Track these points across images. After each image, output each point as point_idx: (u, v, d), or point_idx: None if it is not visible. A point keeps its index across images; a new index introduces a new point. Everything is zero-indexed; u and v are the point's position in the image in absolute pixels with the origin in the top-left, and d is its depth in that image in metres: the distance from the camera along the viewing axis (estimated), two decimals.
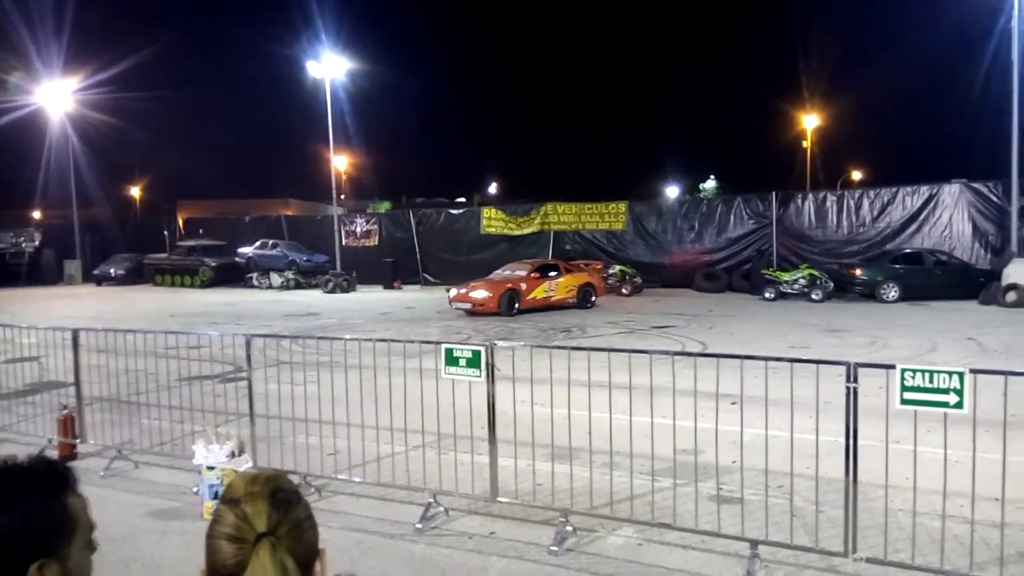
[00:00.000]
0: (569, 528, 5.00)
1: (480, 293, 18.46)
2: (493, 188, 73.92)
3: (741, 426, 4.86)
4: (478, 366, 5.32)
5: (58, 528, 1.20)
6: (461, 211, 32.59)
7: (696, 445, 5.27)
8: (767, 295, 21.19)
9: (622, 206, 27.08)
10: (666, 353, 5.41)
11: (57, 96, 35.02)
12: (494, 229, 29.10)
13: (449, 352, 5.44)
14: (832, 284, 20.98)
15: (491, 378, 5.31)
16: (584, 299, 19.81)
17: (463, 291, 18.83)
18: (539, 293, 19.03)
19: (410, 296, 25.76)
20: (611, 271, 24.25)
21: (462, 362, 5.39)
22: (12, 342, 12.89)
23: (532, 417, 5.52)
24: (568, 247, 26.99)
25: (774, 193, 24.92)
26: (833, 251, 23.53)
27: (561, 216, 27.92)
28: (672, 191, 61.78)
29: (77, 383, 7.36)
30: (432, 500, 5.40)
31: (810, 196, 25.04)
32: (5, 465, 1.22)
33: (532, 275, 19.47)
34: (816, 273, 21.19)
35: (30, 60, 35.33)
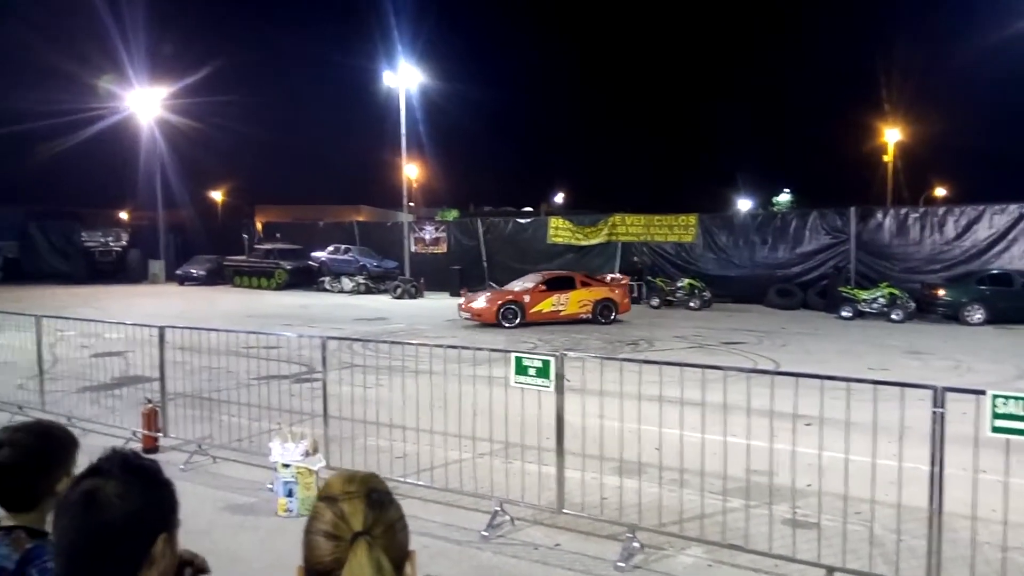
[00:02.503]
0: (636, 544, 4.93)
1: (479, 304, 18.44)
2: (560, 198, 73.86)
3: (820, 449, 4.71)
4: (547, 376, 5.32)
5: (172, 508, 1.41)
6: (528, 220, 32.65)
7: (771, 466, 5.13)
8: (844, 313, 20.50)
9: (692, 218, 26.68)
10: (741, 370, 5.29)
11: (146, 102, 36.82)
12: (561, 239, 29.06)
13: (519, 361, 5.46)
14: (913, 304, 20.13)
15: (560, 388, 5.30)
16: (601, 315, 19.04)
17: (467, 301, 18.88)
18: (545, 306, 18.57)
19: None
20: (679, 284, 23.89)
21: (531, 371, 5.40)
22: (100, 337, 13.60)
23: (600, 430, 5.48)
24: (635, 259, 26.71)
25: (852, 208, 24.10)
26: (915, 270, 22.58)
27: (629, 227, 27.68)
28: (744, 204, 60.42)
29: (162, 379, 7.69)
30: (499, 508, 5.42)
31: (891, 212, 24.10)
32: (138, 455, 1.36)
33: (539, 288, 19.05)
34: (896, 292, 20.38)
35: (121, 67, 37.28)
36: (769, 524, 4.90)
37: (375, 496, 1.27)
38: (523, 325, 18.03)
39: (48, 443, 1.88)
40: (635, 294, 25.20)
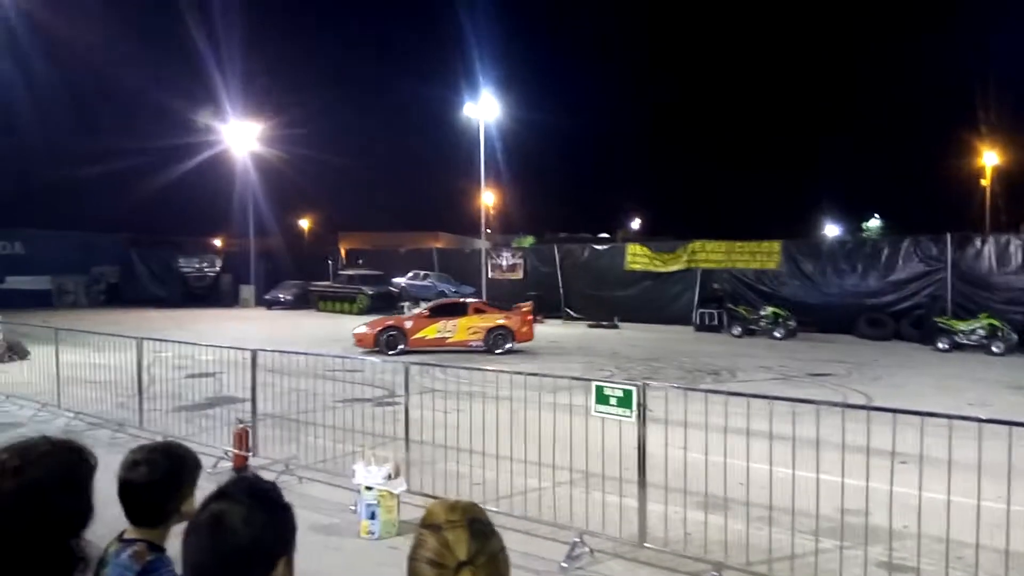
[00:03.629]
0: None
1: (360, 329, 18.28)
2: (636, 224, 73.31)
3: (919, 488, 4.46)
4: (629, 406, 5.26)
5: (292, 532, 1.47)
6: (606, 247, 32.50)
7: (866, 506, 4.89)
8: (940, 345, 19.45)
9: (776, 245, 25.95)
10: (835, 404, 5.09)
11: (239, 136, 38.73)
12: (639, 266, 28.77)
13: (600, 390, 5.42)
14: (1015, 336, 18.92)
15: (642, 419, 5.22)
16: (494, 343, 18.17)
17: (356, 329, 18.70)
18: (430, 333, 18.06)
19: (552, 330, 25.91)
20: (763, 313, 23.22)
21: (612, 401, 5.35)
22: (194, 358, 14.23)
23: (684, 462, 5.36)
24: (716, 286, 26.13)
25: (949, 234, 22.95)
26: (1016, 300, 21.22)
27: (709, 254, 27.16)
28: (831, 230, 58.44)
29: (253, 400, 7.99)
30: (578, 539, 5.35)
31: (991, 239, 22.81)
32: (261, 479, 1.43)
33: (422, 315, 18.83)
34: (997, 323, 19.21)
35: (216, 102, 39.41)
36: (864, 567, 4.67)
37: (477, 526, 1.29)
38: (404, 352, 16.98)
39: (178, 464, 2.01)
40: (716, 322, 24.68)
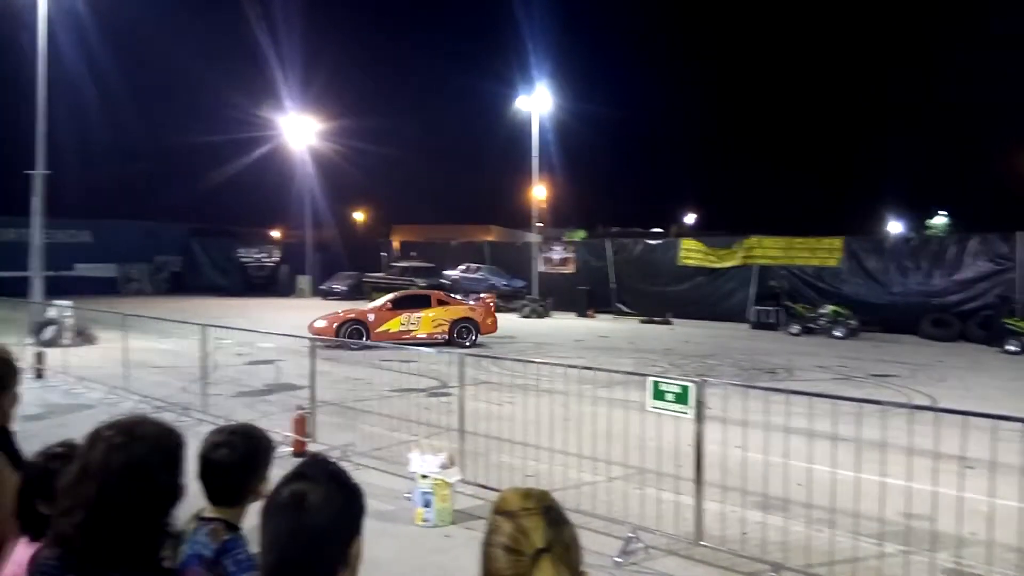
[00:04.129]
0: None
1: (320, 323, 17.04)
2: (690, 218, 72.23)
3: (989, 494, 4.30)
4: (686, 402, 5.19)
5: (363, 512, 1.51)
6: (659, 241, 32.12)
7: (933, 511, 4.73)
8: (1009, 347, 18.66)
9: (837, 241, 25.24)
10: (902, 406, 4.92)
11: (297, 130, 39.50)
12: (692, 261, 28.34)
13: (656, 386, 5.36)
14: None
15: (700, 416, 5.15)
16: (459, 336, 17.61)
17: (312, 320, 17.42)
18: (393, 326, 17.22)
19: (603, 325, 25.78)
20: (822, 311, 22.62)
21: (669, 396, 5.29)
22: (253, 346, 14.59)
23: (743, 461, 5.26)
24: (773, 283, 25.56)
25: (1019, 233, 22.00)
26: None
27: (767, 250, 26.58)
28: (894, 226, 56.59)
29: (312, 387, 8.16)
30: (632, 535, 5.31)
31: None
32: (333, 461, 1.45)
33: (384, 307, 17.85)
34: None
35: (276, 97, 40.24)
36: (930, 573, 4.52)
37: (553, 514, 1.30)
38: (370, 347, 15.22)
39: (257, 445, 2.08)
40: (772, 320, 24.16)
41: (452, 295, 20.63)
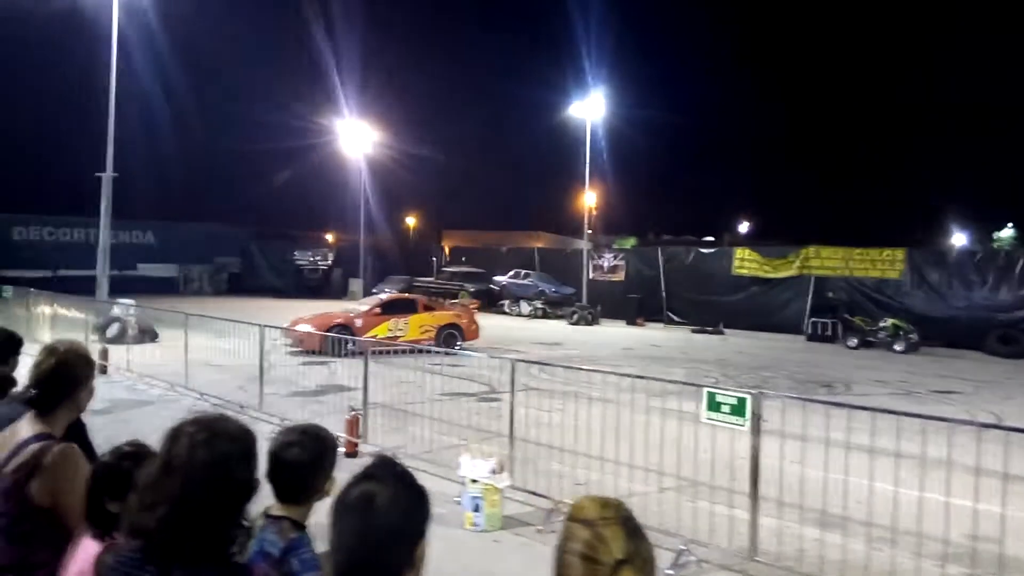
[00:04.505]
0: None
1: (303, 327, 15.86)
2: (744, 227, 71.00)
3: None
4: (743, 415, 5.09)
5: (429, 514, 1.52)
6: (712, 250, 31.67)
7: (1001, 533, 4.53)
8: None
9: (899, 253, 24.48)
10: (970, 424, 4.74)
11: (353, 136, 40.24)
12: (747, 271, 27.84)
13: (712, 397, 5.27)
14: None
15: (756, 429, 5.05)
16: (445, 342, 16.67)
17: (291, 325, 16.19)
18: (381, 332, 16.26)
19: (653, 334, 25.51)
20: (882, 324, 21.95)
21: (725, 408, 5.20)
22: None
23: (800, 476, 5.13)
24: (831, 294, 24.91)
25: None
26: None
27: (824, 261, 25.93)
28: (958, 239, 54.68)
29: (365, 389, 8.27)
30: (684, 548, 5.23)
31: None
32: (398, 462, 1.46)
33: (373, 312, 17.14)
34: None
35: (333, 103, 41.08)
36: None
37: (631, 524, 1.29)
38: (354, 354, 13.17)
39: (325, 445, 2.13)
40: (829, 332, 23.55)
41: (437, 300, 20.29)
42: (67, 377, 2.56)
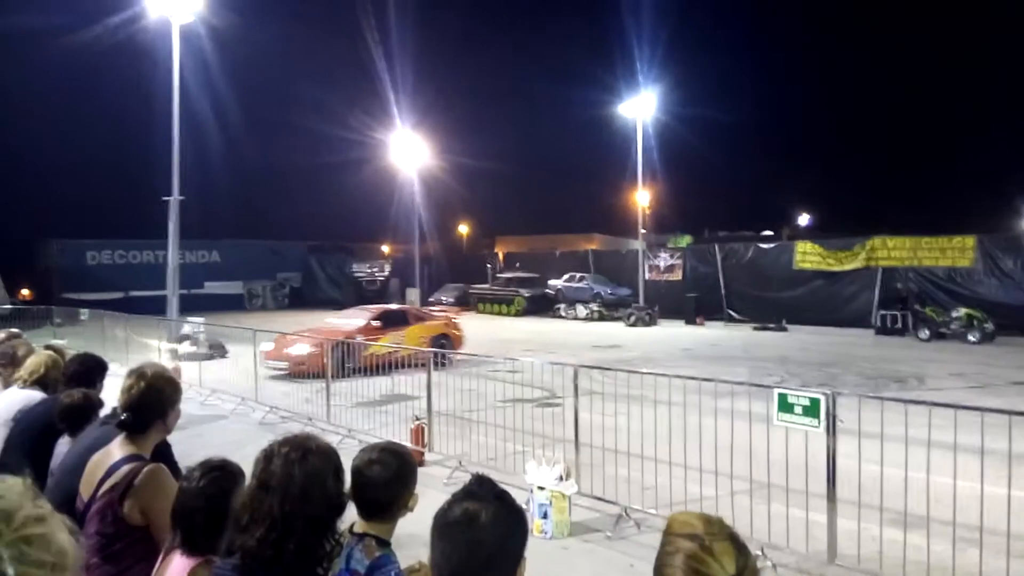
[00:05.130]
0: None
1: (301, 348, 14.03)
2: (804, 219, 69.19)
3: None
4: (816, 415, 4.97)
5: (528, 533, 1.55)
6: (772, 245, 30.98)
7: None
8: None
9: (969, 240, 23.53)
10: None
11: (406, 146, 40.79)
12: (809, 264, 27.14)
13: (783, 398, 5.16)
14: None
15: (832, 430, 4.91)
16: (439, 354, 13.26)
17: (279, 346, 14.48)
18: (380, 348, 13.45)
19: (713, 333, 25.10)
20: (955, 315, 21.12)
21: (797, 409, 5.08)
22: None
23: (879, 477, 4.98)
24: (899, 285, 24.09)
25: None
26: None
27: (891, 251, 25.09)
28: None
29: (429, 397, 8.37)
30: (759, 553, 5.12)
31: None
32: (494, 481, 1.49)
33: (370, 325, 15.67)
34: None
35: (387, 114, 41.74)
36: None
37: (738, 541, 1.28)
38: (354, 372, 11.66)
39: (407, 461, 2.19)
40: (899, 325, 22.79)
41: (424, 309, 19.53)
42: (157, 401, 2.67)
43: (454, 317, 18.91)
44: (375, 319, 16.20)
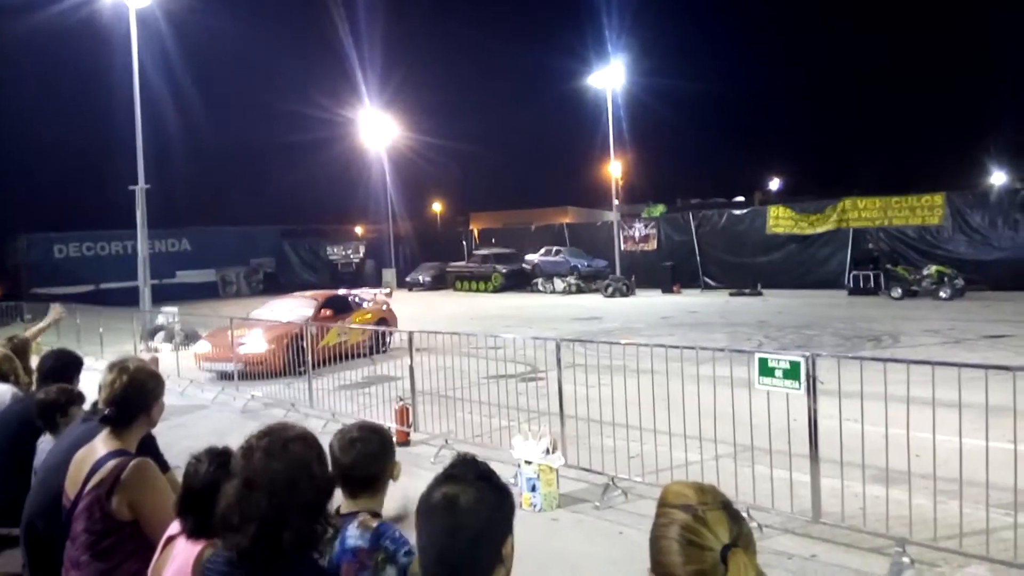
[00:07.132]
0: (906, 559, 4.51)
1: (256, 346, 12.54)
2: (775, 184, 69.76)
3: None
4: (797, 378, 5.03)
5: (513, 511, 1.54)
6: (745, 211, 31.22)
7: None
8: None
9: (938, 198, 23.88)
10: None
11: (376, 126, 40.34)
12: (782, 229, 27.41)
13: (764, 362, 5.21)
14: None
15: (812, 391, 4.98)
16: (380, 339, 12.71)
17: (225, 344, 12.58)
18: (332, 338, 12.38)
19: (690, 300, 25.31)
20: (925, 272, 21.50)
21: (778, 373, 5.14)
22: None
23: (860, 435, 5.07)
24: (871, 246, 24.43)
25: None
26: None
27: (862, 212, 25.39)
28: (998, 177, 53.10)
29: (412, 378, 8.35)
30: (745, 514, 5.20)
31: None
32: (479, 460, 1.46)
33: (322, 314, 14.29)
34: None
35: (355, 93, 41.23)
36: None
37: (731, 509, 1.28)
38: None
39: (385, 436, 2.25)
40: (872, 285, 23.16)
41: (353, 292, 18.76)
42: (140, 394, 2.62)
43: (387, 301, 18.32)
44: (323, 307, 14.91)
